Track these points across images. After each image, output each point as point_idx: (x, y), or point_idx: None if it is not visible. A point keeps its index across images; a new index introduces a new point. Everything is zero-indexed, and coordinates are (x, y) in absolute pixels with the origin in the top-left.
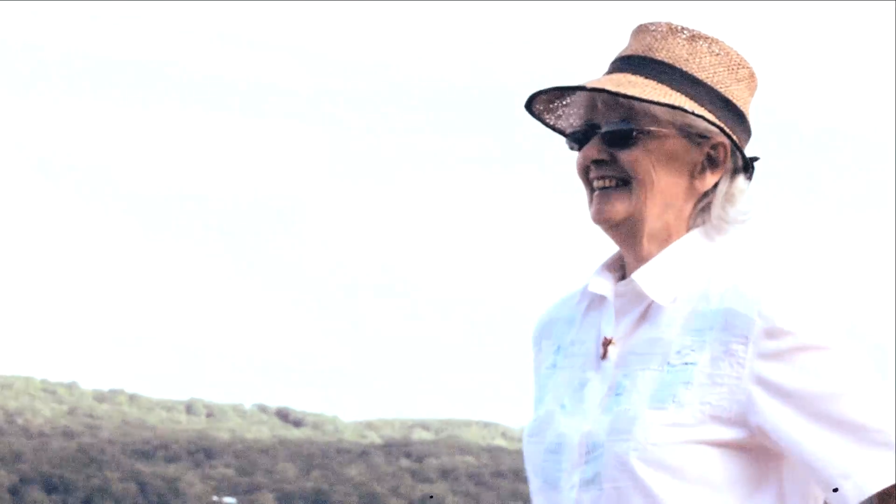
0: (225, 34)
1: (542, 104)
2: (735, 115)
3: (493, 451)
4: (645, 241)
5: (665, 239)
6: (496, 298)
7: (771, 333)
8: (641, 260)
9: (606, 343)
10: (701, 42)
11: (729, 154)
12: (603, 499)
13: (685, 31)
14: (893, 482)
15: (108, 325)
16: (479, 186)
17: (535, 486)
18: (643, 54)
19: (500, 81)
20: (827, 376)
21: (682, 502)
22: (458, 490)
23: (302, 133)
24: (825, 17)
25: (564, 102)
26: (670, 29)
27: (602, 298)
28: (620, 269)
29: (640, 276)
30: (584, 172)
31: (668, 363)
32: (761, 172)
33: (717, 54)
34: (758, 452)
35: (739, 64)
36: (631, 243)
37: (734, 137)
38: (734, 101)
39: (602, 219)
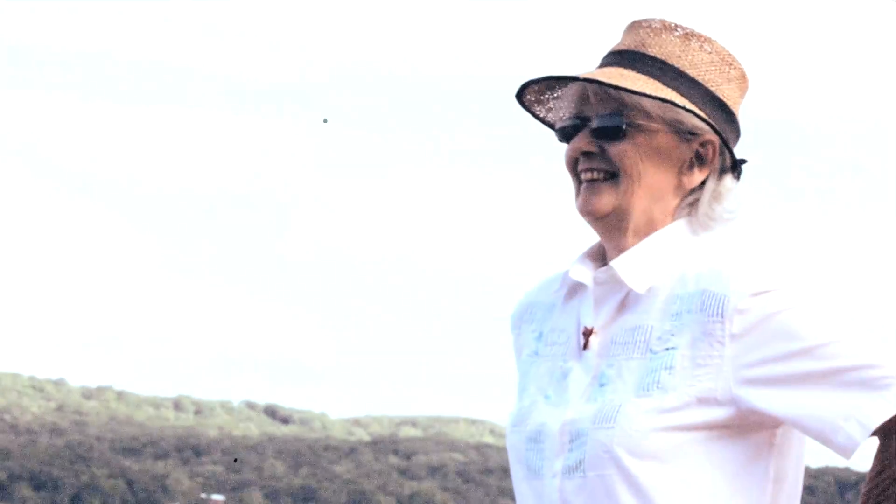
0: (213, 30)
1: (532, 95)
2: (725, 114)
3: (481, 448)
4: (629, 235)
5: (649, 233)
6: (484, 295)
7: (742, 309)
8: (623, 251)
9: (587, 333)
10: (694, 40)
11: (717, 152)
12: (586, 487)
13: (679, 29)
14: (894, 413)
15: (96, 322)
16: (467, 183)
17: (518, 475)
18: (636, 49)
19: (491, 78)
20: (802, 334)
21: (667, 489)
22: (447, 487)
23: (291, 129)
24: (812, 16)
25: (555, 95)
26: (664, 26)
27: (582, 286)
28: (601, 258)
29: (618, 264)
30: (573, 164)
31: (651, 350)
32: (747, 170)
33: (710, 53)
34: (747, 430)
35: (731, 64)
36: (615, 236)
37: (723, 136)
38: (725, 100)
39: (588, 210)
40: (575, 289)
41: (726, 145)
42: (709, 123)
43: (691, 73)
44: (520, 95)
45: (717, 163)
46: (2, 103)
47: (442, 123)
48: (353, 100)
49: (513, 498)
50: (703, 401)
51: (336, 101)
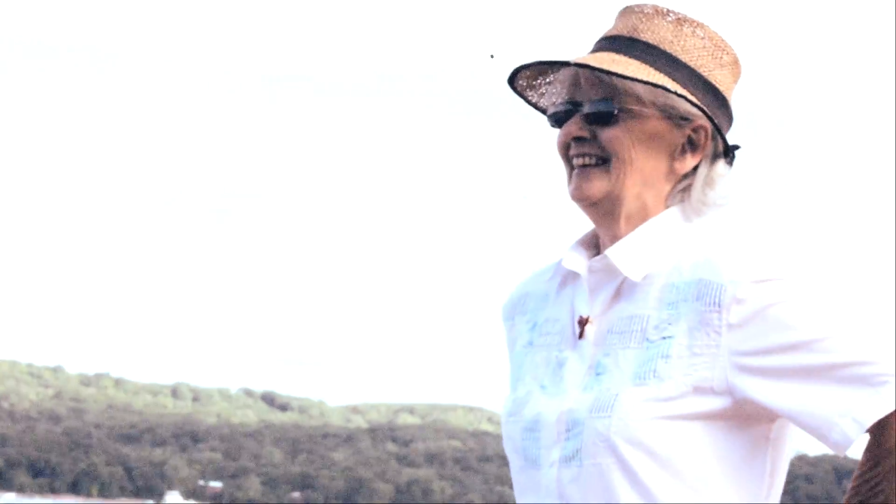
0: (214, 21)
1: (524, 80)
2: (717, 100)
3: (479, 436)
4: (622, 221)
5: (642, 219)
6: (481, 283)
7: (740, 299)
8: (617, 239)
9: (583, 322)
10: (686, 26)
11: (710, 138)
12: (583, 476)
13: (671, 14)
14: (892, 409)
15: (94, 309)
16: (459, 173)
17: (515, 465)
18: (628, 35)
19: (485, 69)
20: (800, 326)
21: (664, 479)
22: (445, 474)
23: (288, 124)
24: (812, 4)
25: (547, 80)
26: (656, 11)
27: (575, 275)
28: (595, 246)
29: (613, 252)
30: (565, 150)
31: (647, 339)
32: (740, 157)
33: (702, 38)
34: (745, 422)
35: (724, 49)
36: (608, 222)
37: (716, 121)
38: (717, 85)
39: (581, 196)
40: (569, 278)
41: (718, 131)
42: (701, 109)
43: (683, 58)
44: (512, 80)
45: (709, 148)
46: (4, 92)
47: (442, 117)
48: (356, 94)
49: (510, 485)
50: (699, 390)
51: (338, 95)
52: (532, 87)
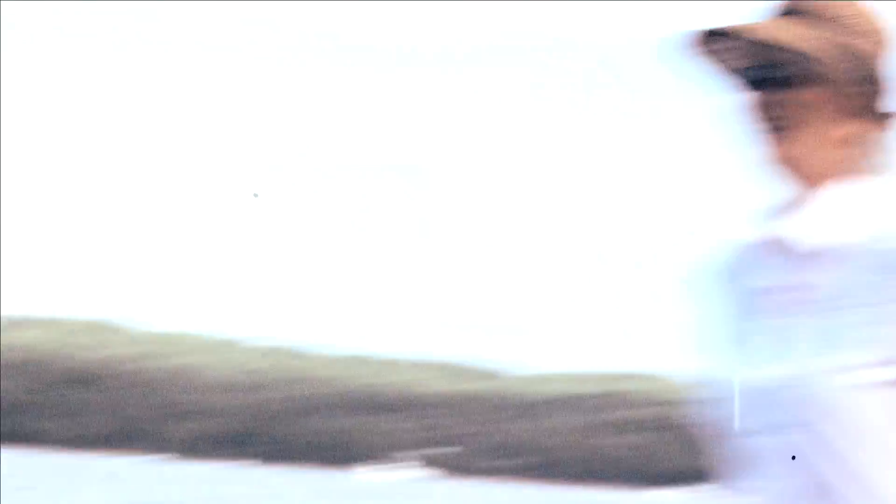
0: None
1: (702, 46)
2: (885, 66)
3: (667, 405)
4: (803, 186)
5: (820, 184)
6: (658, 249)
7: None
8: (798, 205)
9: (771, 291)
10: None
11: (879, 103)
12: (779, 446)
13: None
14: None
15: (274, 280)
16: (642, 135)
17: (710, 435)
18: (795, 4)
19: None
20: None
21: (855, 447)
22: (632, 444)
23: (474, 89)
24: None
25: (723, 47)
26: None
27: (765, 244)
28: (778, 215)
29: (796, 223)
30: (748, 115)
31: (831, 308)
32: None
33: (863, 7)
34: None
35: (882, 17)
36: (790, 187)
37: (881, 86)
38: (884, 52)
39: (767, 160)
40: (754, 248)
41: (886, 96)
42: (870, 75)
43: (846, 25)
44: (691, 45)
45: (880, 113)
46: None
47: (571, 87)
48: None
49: (698, 453)
50: (885, 359)
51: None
52: (708, 53)
